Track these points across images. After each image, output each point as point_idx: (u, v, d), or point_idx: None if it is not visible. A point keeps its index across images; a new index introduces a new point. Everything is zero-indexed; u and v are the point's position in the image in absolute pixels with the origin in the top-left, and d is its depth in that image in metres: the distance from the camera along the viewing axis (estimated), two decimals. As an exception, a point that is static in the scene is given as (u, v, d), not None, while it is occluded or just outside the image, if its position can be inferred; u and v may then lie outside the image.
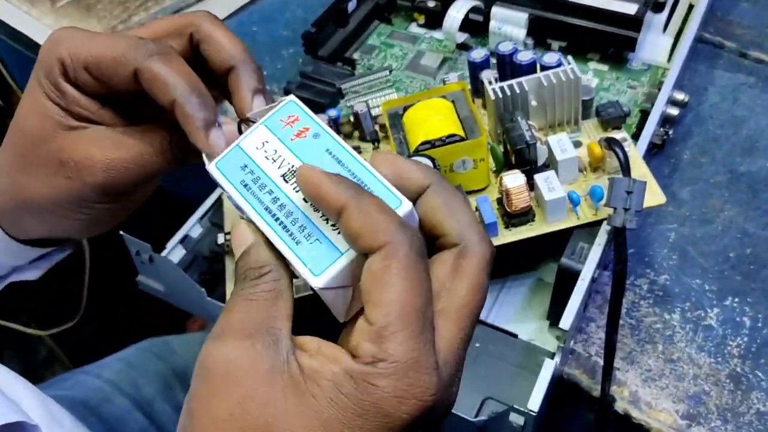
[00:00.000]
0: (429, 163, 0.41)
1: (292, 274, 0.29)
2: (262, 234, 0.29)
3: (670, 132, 0.53)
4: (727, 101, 0.58)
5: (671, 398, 0.43)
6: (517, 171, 0.42)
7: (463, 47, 0.60)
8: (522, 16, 0.57)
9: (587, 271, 0.42)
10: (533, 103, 0.46)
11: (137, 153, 0.34)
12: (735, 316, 0.46)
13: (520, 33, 0.57)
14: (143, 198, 0.39)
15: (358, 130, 0.51)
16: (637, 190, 0.41)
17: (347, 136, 0.51)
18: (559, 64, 0.46)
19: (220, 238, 0.47)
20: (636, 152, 0.46)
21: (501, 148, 0.45)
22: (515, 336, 0.44)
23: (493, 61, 0.50)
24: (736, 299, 0.47)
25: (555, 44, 0.58)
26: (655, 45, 0.58)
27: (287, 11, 0.71)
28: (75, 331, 0.77)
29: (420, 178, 0.29)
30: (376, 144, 0.50)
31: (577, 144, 0.46)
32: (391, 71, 0.53)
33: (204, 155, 0.32)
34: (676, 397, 0.43)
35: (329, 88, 0.56)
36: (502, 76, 0.48)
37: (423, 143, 0.42)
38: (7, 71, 0.85)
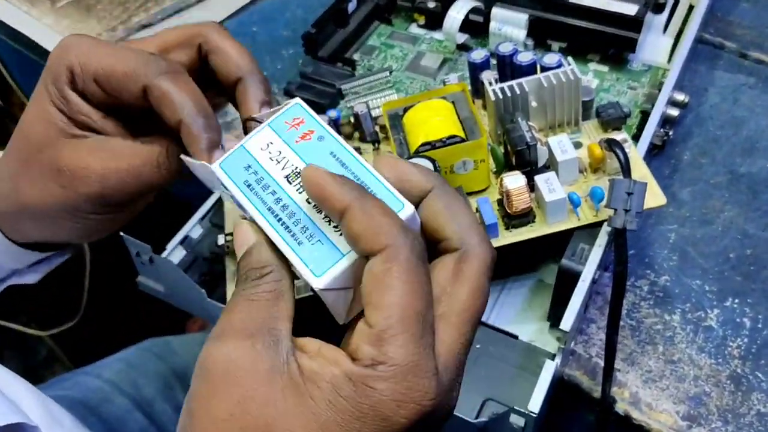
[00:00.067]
0: (429, 164, 0.41)
1: (293, 275, 0.29)
2: (265, 234, 0.29)
3: (671, 133, 0.53)
4: (727, 102, 0.58)
5: (672, 399, 0.43)
6: (517, 172, 0.42)
7: (463, 48, 0.60)
8: (522, 17, 0.57)
9: (588, 272, 0.42)
10: (533, 104, 0.46)
11: (133, 164, 0.34)
12: (735, 317, 0.46)
13: (521, 34, 0.57)
14: (139, 210, 0.39)
15: (358, 131, 0.50)
16: (638, 191, 0.41)
17: (347, 137, 0.51)
18: (560, 65, 0.46)
19: (221, 239, 0.47)
20: (636, 153, 0.46)
21: (501, 149, 0.45)
22: (516, 337, 0.44)
23: (494, 62, 0.50)
24: (737, 300, 0.47)
25: (555, 45, 0.58)
26: (655, 46, 0.58)
27: (287, 11, 0.71)
28: (75, 332, 0.77)
29: (422, 182, 0.29)
30: (376, 145, 0.50)
31: (578, 145, 0.46)
32: (391, 72, 0.53)
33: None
34: (676, 398, 0.43)
35: (329, 89, 0.56)
36: (503, 77, 0.48)
37: (423, 144, 0.42)
38: (7, 71, 0.85)
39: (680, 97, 0.54)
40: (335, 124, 0.50)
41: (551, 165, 0.44)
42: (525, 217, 0.43)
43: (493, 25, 0.58)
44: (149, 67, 0.33)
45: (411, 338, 0.25)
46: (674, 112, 0.53)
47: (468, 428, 0.40)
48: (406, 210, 0.28)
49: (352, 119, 0.50)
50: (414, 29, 0.63)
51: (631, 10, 0.54)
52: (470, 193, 0.45)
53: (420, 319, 0.25)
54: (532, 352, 0.43)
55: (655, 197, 0.43)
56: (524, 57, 0.47)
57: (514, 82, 0.45)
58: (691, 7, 0.60)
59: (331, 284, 0.27)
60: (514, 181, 0.42)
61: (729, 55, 0.62)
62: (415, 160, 0.41)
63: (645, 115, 0.52)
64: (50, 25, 0.69)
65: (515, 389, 0.41)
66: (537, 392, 0.39)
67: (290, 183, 0.29)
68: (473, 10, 0.58)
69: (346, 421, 0.25)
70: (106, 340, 0.78)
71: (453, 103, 0.44)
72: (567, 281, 0.42)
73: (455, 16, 0.57)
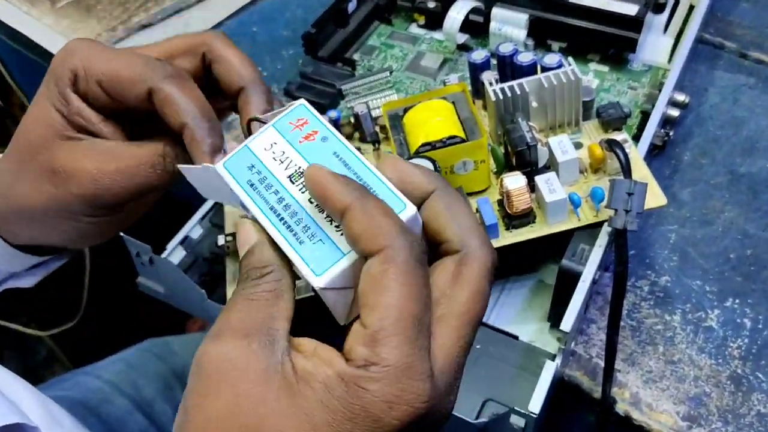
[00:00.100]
0: (429, 165, 0.41)
1: (294, 275, 0.29)
2: (267, 234, 0.29)
3: (671, 133, 0.53)
4: (727, 102, 0.58)
5: (672, 400, 0.43)
6: (517, 172, 0.42)
7: (463, 48, 0.60)
8: (522, 17, 0.57)
9: (588, 272, 0.42)
10: (534, 104, 0.46)
11: (127, 166, 0.34)
12: (735, 318, 0.46)
13: (521, 34, 0.57)
14: (135, 217, 0.39)
15: (358, 132, 0.50)
16: (638, 191, 0.41)
17: (348, 138, 0.50)
18: (560, 65, 0.46)
19: (221, 240, 0.47)
20: (637, 153, 0.45)
21: (502, 150, 0.45)
22: (516, 338, 0.44)
23: (494, 62, 0.50)
24: (737, 300, 0.47)
25: (555, 45, 0.58)
26: (655, 46, 0.58)
27: (287, 11, 0.71)
28: (75, 332, 0.77)
29: (425, 183, 0.29)
30: (376, 145, 0.50)
31: (578, 145, 0.46)
32: (391, 72, 0.53)
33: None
34: (676, 398, 0.43)
35: (329, 89, 0.56)
36: (503, 78, 0.48)
37: (423, 145, 0.42)
38: (7, 71, 0.85)
39: (680, 97, 0.54)
40: (335, 124, 0.50)
41: (552, 165, 0.44)
42: (525, 218, 0.43)
43: (493, 26, 0.58)
44: (155, 71, 0.33)
45: (405, 340, 0.25)
46: (674, 112, 0.53)
47: (468, 429, 0.40)
48: (407, 211, 0.28)
49: (352, 119, 0.50)
50: (414, 29, 0.63)
51: (632, 10, 0.54)
52: (470, 194, 0.45)
53: (415, 321, 0.25)
54: (532, 352, 0.43)
55: (655, 197, 0.43)
56: (524, 57, 0.47)
57: (514, 83, 0.45)
58: (691, 7, 0.60)
59: (331, 283, 0.27)
60: (515, 181, 0.42)
61: (729, 55, 0.62)
62: (415, 161, 0.41)
63: (645, 116, 0.52)
64: (50, 26, 0.69)
65: (515, 390, 0.41)
66: (537, 393, 0.39)
67: (293, 183, 0.30)
68: (473, 10, 0.58)
69: (337, 422, 0.25)
70: (106, 340, 0.78)
71: (453, 103, 0.44)
72: (567, 282, 0.42)
73: (455, 16, 0.57)
